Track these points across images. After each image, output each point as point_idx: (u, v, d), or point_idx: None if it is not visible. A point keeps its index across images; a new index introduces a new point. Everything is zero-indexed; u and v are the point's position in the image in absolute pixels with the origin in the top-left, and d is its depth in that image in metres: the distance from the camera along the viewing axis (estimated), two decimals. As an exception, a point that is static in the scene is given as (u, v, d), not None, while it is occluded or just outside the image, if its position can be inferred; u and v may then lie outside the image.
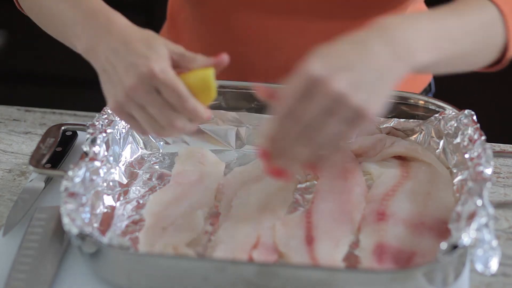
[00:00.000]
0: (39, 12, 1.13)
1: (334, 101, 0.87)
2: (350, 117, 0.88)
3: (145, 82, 0.96)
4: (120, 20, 1.01)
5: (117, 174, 1.10)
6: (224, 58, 1.00)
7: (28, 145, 1.22)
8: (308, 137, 0.90)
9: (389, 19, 0.93)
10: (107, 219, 1.04)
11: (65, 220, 0.95)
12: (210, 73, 1.00)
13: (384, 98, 0.90)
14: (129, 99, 0.97)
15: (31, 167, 1.09)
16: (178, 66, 0.99)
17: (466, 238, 0.91)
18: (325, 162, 0.94)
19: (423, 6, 1.32)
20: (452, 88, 1.46)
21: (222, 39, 1.27)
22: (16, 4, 1.21)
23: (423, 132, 1.15)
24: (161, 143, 1.18)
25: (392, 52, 0.90)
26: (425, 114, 1.16)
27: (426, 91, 1.40)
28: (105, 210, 1.04)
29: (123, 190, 1.09)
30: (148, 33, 1.00)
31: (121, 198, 1.08)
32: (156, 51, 0.97)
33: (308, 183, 1.11)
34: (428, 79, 1.41)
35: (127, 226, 1.04)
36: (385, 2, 1.18)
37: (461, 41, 0.98)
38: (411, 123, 1.16)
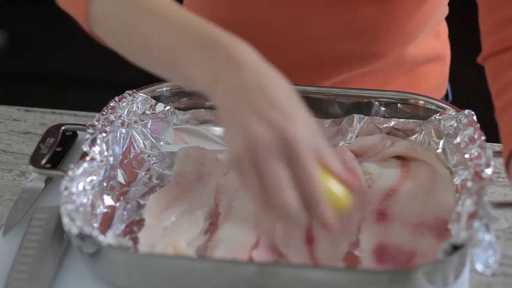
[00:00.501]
0: (126, 37, 0.99)
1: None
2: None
3: (280, 143, 0.82)
4: (245, 52, 0.87)
5: (117, 174, 1.10)
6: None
7: (28, 145, 1.22)
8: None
9: None
10: (107, 219, 1.04)
11: (65, 220, 0.95)
12: (348, 200, 0.93)
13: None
14: (251, 153, 0.84)
15: (31, 167, 1.09)
16: None
17: (466, 238, 0.91)
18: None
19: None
20: (452, 88, 1.46)
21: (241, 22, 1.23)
22: (86, 28, 1.04)
23: (423, 132, 1.15)
24: (161, 143, 1.18)
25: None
26: (425, 114, 1.16)
27: (446, 98, 1.41)
28: (105, 210, 1.04)
29: (123, 190, 1.09)
30: (288, 86, 0.86)
31: (121, 198, 1.08)
32: (301, 113, 0.84)
33: (308, 183, 1.11)
34: (444, 87, 1.41)
35: (127, 226, 1.04)
36: None
37: None
38: (411, 123, 1.16)
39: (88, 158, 1.04)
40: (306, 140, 0.83)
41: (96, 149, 1.06)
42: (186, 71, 0.90)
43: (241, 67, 0.85)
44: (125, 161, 1.13)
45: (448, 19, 1.35)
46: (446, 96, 1.42)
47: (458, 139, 1.09)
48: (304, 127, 0.84)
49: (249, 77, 0.84)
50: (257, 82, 0.84)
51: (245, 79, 0.84)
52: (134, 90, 1.17)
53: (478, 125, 1.08)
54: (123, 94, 1.15)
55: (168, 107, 1.18)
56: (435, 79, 1.37)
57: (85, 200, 1.00)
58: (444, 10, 1.33)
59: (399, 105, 1.17)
